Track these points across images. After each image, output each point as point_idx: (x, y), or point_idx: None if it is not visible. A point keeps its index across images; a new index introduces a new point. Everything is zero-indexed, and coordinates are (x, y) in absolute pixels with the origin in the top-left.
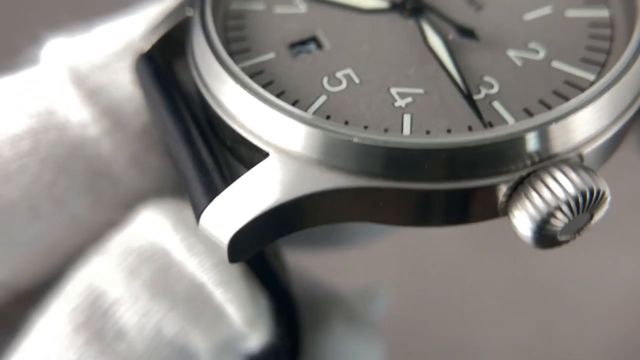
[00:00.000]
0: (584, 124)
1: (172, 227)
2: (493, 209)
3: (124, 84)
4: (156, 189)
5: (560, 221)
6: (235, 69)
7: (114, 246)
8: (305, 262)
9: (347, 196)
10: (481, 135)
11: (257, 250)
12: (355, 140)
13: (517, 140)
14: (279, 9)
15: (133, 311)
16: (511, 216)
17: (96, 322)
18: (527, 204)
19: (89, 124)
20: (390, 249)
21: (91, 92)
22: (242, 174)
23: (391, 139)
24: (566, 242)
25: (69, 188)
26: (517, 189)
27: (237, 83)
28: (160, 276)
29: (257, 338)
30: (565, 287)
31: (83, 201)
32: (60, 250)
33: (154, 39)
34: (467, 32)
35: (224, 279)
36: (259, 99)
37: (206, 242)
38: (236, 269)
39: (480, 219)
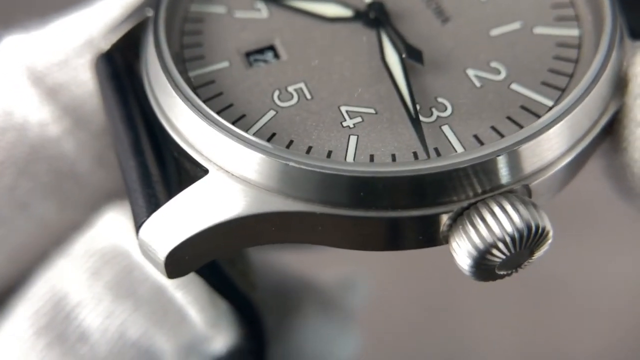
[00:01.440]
0: (533, 155)
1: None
2: (433, 238)
3: (84, 80)
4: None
5: (497, 258)
6: (179, 80)
7: (77, 248)
8: (281, 257)
9: (284, 220)
10: (420, 166)
11: (196, 267)
12: (292, 164)
13: (458, 172)
14: (240, 13)
15: (96, 313)
16: (450, 247)
17: (58, 325)
18: (465, 238)
19: (49, 123)
20: None
21: (50, 90)
22: (183, 189)
23: (328, 166)
24: (506, 275)
25: (32, 190)
26: (457, 220)
27: (179, 95)
28: (123, 278)
29: (221, 340)
30: (562, 286)
31: (48, 203)
32: (26, 254)
33: (114, 38)
34: (414, 54)
35: (183, 282)
36: (200, 115)
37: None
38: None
39: (420, 246)
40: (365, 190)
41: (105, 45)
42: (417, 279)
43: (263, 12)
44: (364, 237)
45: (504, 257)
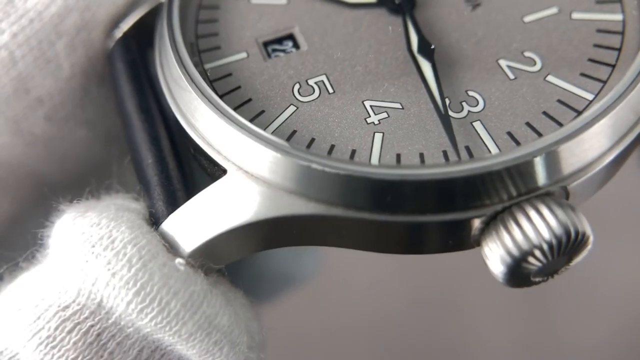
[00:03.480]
0: (572, 156)
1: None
2: (463, 242)
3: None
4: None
5: (532, 265)
6: (195, 74)
7: (22, 297)
8: None
9: (305, 223)
10: (451, 169)
11: (223, 263)
12: (314, 166)
13: (492, 175)
14: None
15: None
16: (483, 251)
17: None
18: (499, 243)
19: None
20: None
21: None
22: (201, 188)
23: (352, 168)
24: (541, 282)
25: None
26: (490, 225)
27: (195, 91)
28: (92, 350)
29: None
30: (565, 285)
31: None
32: None
33: (125, 26)
34: (423, 49)
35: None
36: (217, 112)
37: None
38: None
39: (448, 250)
40: (391, 194)
41: (118, 33)
42: (419, 266)
43: None
44: (389, 241)
45: (540, 264)
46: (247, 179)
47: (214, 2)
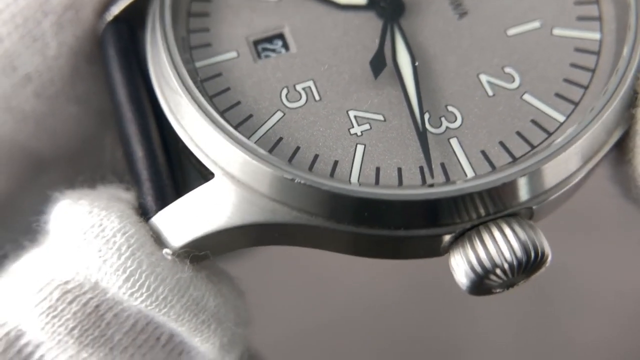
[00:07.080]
0: (540, 181)
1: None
2: (434, 252)
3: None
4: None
5: (494, 281)
6: (186, 77)
7: (27, 272)
8: None
9: (287, 229)
10: (426, 191)
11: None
12: (297, 180)
13: (464, 198)
14: None
15: None
16: (450, 261)
17: None
18: (464, 259)
19: None
20: None
21: None
22: (190, 180)
23: (333, 184)
24: (500, 292)
25: None
26: (458, 240)
27: (185, 95)
28: (91, 321)
29: None
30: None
31: None
32: None
33: (117, 9)
34: (374, 64)
35: (177, 309)
36: (206, 119)
37: None
38: None
39: (420, 257)
40: (369, 211)
41: (108, 16)
42: (416, 263)
43: None
44: (366, 249)
45: (501, 281)
46: (232, 184)
47: None
